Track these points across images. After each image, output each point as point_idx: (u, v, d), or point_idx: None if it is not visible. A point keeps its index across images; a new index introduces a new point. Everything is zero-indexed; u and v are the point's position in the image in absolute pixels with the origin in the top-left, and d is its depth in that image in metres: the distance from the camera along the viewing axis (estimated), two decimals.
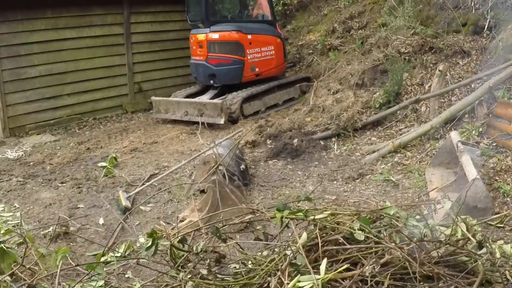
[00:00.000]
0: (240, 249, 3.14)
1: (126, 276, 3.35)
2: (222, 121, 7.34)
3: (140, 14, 9.14)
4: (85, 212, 4.61)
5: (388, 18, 7.95)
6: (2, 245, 2.67)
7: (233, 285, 2.64)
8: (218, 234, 2.82)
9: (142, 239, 3.86)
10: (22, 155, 6.57)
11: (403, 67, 6.85)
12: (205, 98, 7.98)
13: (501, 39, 6.52)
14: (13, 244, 3.80)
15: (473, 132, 5.35)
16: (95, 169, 5.80)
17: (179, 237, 2.83)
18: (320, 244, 2.47)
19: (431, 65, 6.84)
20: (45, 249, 2.86)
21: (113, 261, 3.15)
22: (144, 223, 4.34)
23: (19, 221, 4.36)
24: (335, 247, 2.55)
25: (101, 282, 2.97)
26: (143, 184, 5.14)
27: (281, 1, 10.63)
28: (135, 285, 3.02)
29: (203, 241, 2.99)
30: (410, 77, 6.84)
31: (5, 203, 4.84)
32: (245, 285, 2.60)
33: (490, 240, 2.77)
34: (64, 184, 5.35)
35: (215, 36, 7.87)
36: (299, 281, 2.23)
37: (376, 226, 2.67)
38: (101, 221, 4.38)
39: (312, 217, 2.64)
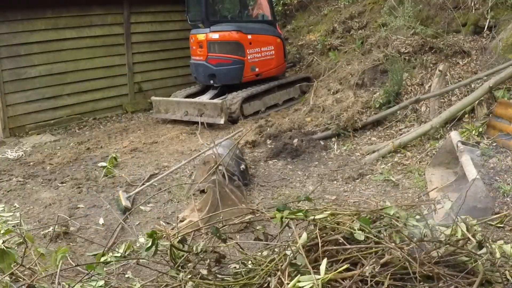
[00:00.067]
0: (240, 249, 3.14)
1: (126, 276, 3.35)
2: (222, 121, 7.34)
3: (140, 14, 9.15)
4: (85, 212, 4.61)
5: (388, 18, 7.96)
6: (2, 245, 2.67)
7: (233, 285, 2.64)
8: (218, 234, 2.82)
9: (142, 239, 3.86)
10: (22, 155, 6.57)
11: (403, 67, 6.85)
12: (205, 98, 7.98)
13: (501, 39, 6.52)
14: (13, 244, 3.81)
15: (473, 132, 5.35)
16: (95, 169, 5.80)
17: (179, 237, 2.83)
18: (320, 244, 2.47)
19: (431, 65, 6.84)
20: (44, 249, 2.86)
21: (113, 261, 3.15)
22: (144, 223, 4.34)
23: (19, 221, 4.37)
24: (335, 247, 2.55)
25: (101, 282, 2.97)
26: (143, 184, 5.14)
27: (281, 1, 10.64)
28: (135, 285, 3.02)
29: (203, 241, 2.99)
30: (410, 77, 6.84)
31: (5, 203, 4.84)
32: (245, 285, 2.60)
33: (490, 240, 2.77)
34: (64, 184, 5.35)
35: (215, 36, 7.87)
36: (299, 281, 2.23)
37: (376, 226, 2.67)
38: (101, 221, 4.38)
39: (312, 217, 2.64)
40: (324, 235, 2.60)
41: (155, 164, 5.92)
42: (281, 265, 2.45)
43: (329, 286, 2.33)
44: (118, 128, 7.96)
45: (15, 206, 4.76)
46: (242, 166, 4.96)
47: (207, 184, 4.23)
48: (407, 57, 7.08)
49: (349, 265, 2.40)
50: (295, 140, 6.11)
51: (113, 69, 8.90)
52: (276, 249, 2.89)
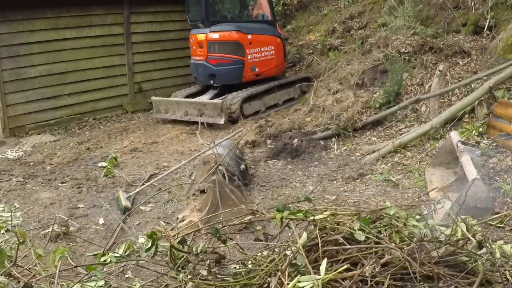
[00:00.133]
0: (240, 250, 3.14)
1: (126, 276, 3.35)
2: (222, 121, 7.34)
3: (140, 14, 9.15)
4: (85, 212, 4.61)
5: (388, 18, 7.96)
6: None
7: (233, 286, 2.64)
8: (218, 235, 2.82)
9: (142, 239, 3.85)
10: (22, 155, 6.57)
11: (403, 67, 6.85)
12: (205, 98, 7.98)
13: (501, 39, 6.52)
14: (13, 244, 3.81)
15: (473, 132, 5.35)
16: (95, 169, 5.80)
17: (179, 238, 2.83)
18: (320, 244, 2.47)
19: (431, 65, 6.84)
20: (42, 249, 2.85)
21: (113, 261, 3.14)
22: (144, 223, 4.34)
23: (19, 221, 4.37)
24: (335, 247, 2.55)
25: (101, 282, 2.98)
26: (143, 184, 5.14)
27: (281, 1, 10.64)
28: (135, 285, 3.02)
29: (203, 241, 2.99)
30: (410, 77, 6.84)
31: (5, 203, 4.84)
32: (245, 286, 2.60)
33: (490, 240, 2.77)
34: (64, 184, 5.35)
35: (215, 36, 7.87)
36: (299, 282, 2.23)
37: (376, 226, 2.67)
38: (101, 221, 4.38)
39: (312, 218, 2.64)
40: (324, 235, 2.60)
41: (155, 164, 5.92)
42: (281, 265, 2.45)
43: (329, 286, 2.33)
44: (118, 128, 7.96)
45: (15, 206, 4.76)
46: (242, 166, 4.96)
47: (207, 184, 4.23)
48: (407, 57, 7.08)
49: (349, 265, 2.40)
50: (295, 140, 6.11)
51: (113, 69, 8.90)
52: (276, 249, 2.89)
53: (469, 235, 2.60)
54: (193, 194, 4.82)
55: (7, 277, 2.59)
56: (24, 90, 7.72)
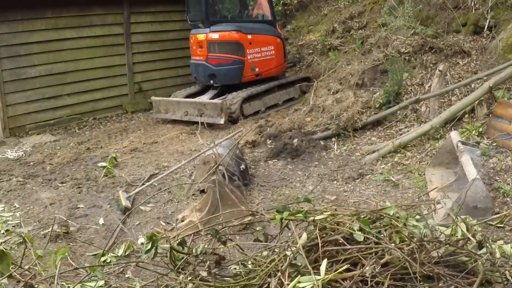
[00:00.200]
0: (240, 250, 3.14)
1: (126, 276, 3.35)
2: (222, 121, 7.34)
3: (140, 14, 9.14)
4: (85, 212, 4.61)
5: (388, 18, 7.96)
6: (1, 246, 2.67)
7: (233, 286, 2.64)
8: (218, 237, 2.82)
9: (141, 239, 3.85)
10: (22, 155, 6.57)
11: (403, 67, 6.85)
12: (205, 98, 7.98)
13: (501, 39, 6.52)
14: (13, 244, 3.81)
15: (473, 132, 5.35)
16: (95, 169, 5.80)
17: (179, 240, 2.83)
18: (320, 245, 2.46)
19: (431, 65, 6.84)
20: (42, 250, 2.85)
21: (113, 262, 3.15)
22: (144, 223, 4.34)
23: (19, 221, 4.37)
24: (335, 248, 2.55)
25: (101, 282, 2.98)
26: (143, 184, 5.14)
27: (281, 1, 10.64)
28: (135, 285, 3.02)
29: (202, 242, 2.99)
30: (410, 77, 6.84)
31: (5, 203, 4.84)
32: (245, 286, 2.59)
33: (490, 240, 2.77)
34: (64, 184, 5.35)
35: (215, 36, 7.87)
36: (299, 282, 2.22)
37: (376, 227, 2.67)
38: (101, 221, 4.38)
39: (312, 218, 2.64)
40: (324, 235, 2.60)
41: (155, 164, 5.92)
42: (281, 266, 2.45)
43: (329, 286, 2.33)
44: (118, 128, 7.96)
45: (15, 206, 4.76)
46: (242, 166, 4.96)
47: (207, 184, 4.23)
48: (407, 57, 7.09)
49: (349, 265, 2.40)
50: (295, 140, 6.11)
51: (113, 69, 8.90)
52: (276, 250, 2.89)
53: (469, 235, 2.61)
54: (193, 194, 4.83)
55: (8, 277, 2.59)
56: (24, 90, 7.72)
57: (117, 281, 3.14)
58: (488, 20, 6.99)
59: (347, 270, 2.35)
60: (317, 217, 2.64)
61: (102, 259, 3.50)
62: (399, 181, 4.94)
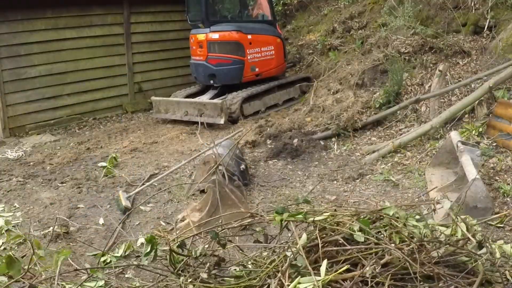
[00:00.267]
0: (240, 251, 3.14)
1: (126, 276, 3.35)
2: (222, 121, 7.34)
3: (140, 14, 9.14)
4: (85, 212, 4.61)
5: (388, 18, 7.96)
6: (11, 253, 2.69)
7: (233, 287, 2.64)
8: (217, 239, 2.81)
9: (141, 239, 3.85)
10: (22, 155, 6.57)
11: (403, 67, 6.85)
12: (205, 98, 7.98)
13: (501, 39, 6.52)
14: (13, 244, 3.82)
15: (473, 132, 5.35)
16: (95, 169, 5.79)
17: (178, 242, 2.83)
18: (320, 245, 2.47)
19: (431, 65, 6.84)
20: (43, 251, 2.86)
21: (113, 263, 3.15)
22: (144, 223, 4.34)
23: (19, 221, 4.37)
24: (335, 248, 2.55)
25: (101, 282, 2.98)
26: (143, 184, 5.14)
27: (281, 1, 10.63)
28: (135, 285, 3.02)
29: (202, 244, 2.99)
30: (410, 77, 6.84)
31: (5, 203, 4.84)
32: (245, 287, 2.59)
33: (490, 240, 2.77)
34: (64, 184, 5.35)
35: (215, 36, 7.87)
36: (299, 283, 2.22)
37: (376, 227, 2.67)
38: (101, 221, 4.38)
39: (311, 219, 2.64)
40: (324, 236, 2.60)
41: (155, 164, 5.92)
42: (282, 267, 2.45)
43: (330, 287, 2.32)
44: (118, 128, 7.96)
45: (15, 206, 4.76)
46: (242, 166, 4.96)
47: (207, 184, 4.23)
48: (407, 57, 7.09)
49: (349, 266, 2.40)
50: (295, 140, 6.11)
51: (113, 69, 8.90)
52: (276, 250, 2.89)
53: (469, 235, 2.61)
54: (193, 194, 4.83)
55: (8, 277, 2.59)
56: (24, 90, 7.72)
57: (117, 282, 3.14)
58: (488, 20, 6.99)
59: (347, 270, 2.36)
60: (317, 218, 2.64)
61: (102, 259, 3.50)
62: (399, 181, 4.95)
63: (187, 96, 8.27)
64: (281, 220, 2.66)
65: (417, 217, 2.73)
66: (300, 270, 2.40)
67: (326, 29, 9.40)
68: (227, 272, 3.01)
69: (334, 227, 2.61)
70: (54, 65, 8.02)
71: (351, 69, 7.70)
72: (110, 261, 3.51)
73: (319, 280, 2.19)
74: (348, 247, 2.49)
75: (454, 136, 4.78)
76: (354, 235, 2.48)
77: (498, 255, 2.63)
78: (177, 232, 3.26)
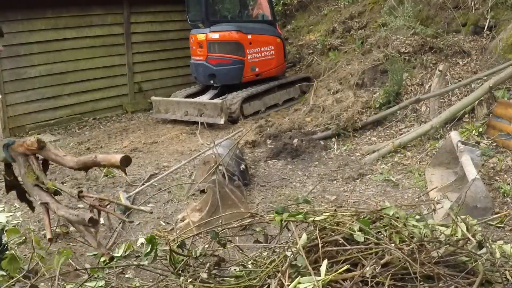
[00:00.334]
0: (240, 251, 3.14)
1: (126, 276, 3.35)
2: (222, 121, 7.34)
3: (140, 14, 9.15)
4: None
5: (388, 18, 7.96)
6: (12, 251, 2.69)
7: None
8: (217, 239, 2.81)
9: (141, 239, 3.85)
10: None
11: (403, 67, 6.85)
12: (205, 98, 7.98)
13: (501, 39, 6.52)
14: (13, 244, 3.81)
15: (473, 132, 5.35)
16: (95, 169, 5.78)
17: (178, 242, 2.83)
18: (320, 245, 2.46)
19: (431, 65, 6.84)
20: (43, 252, 2.86)
21: (114, 263, 3.14)
22: (144, 223, 4.34)
23: (19, 221, 4.37)
24: (335, 248, 2.55)
25: (102, 282, 2.98)
26: (143, 184, 5.14)
27: (281, 1, 10.63)
28: (135, 285, 3.02)
29: (202, 244, 2.99)
30: (410, 77, 6.84)
31: (5, 203, 4.84)
32: (245, 287, 2.59)
33: (490, 240, 2.77)
34: (64, 184, 5.35)
35: (215, 36, 7.87)
36: (299, 283, 2.22)
37: (376, 227, 2.67)
38: (101, 221, 4.37)
39: (311, 219, 2.64)
40: (324, 236, 2.60)
41: (155, 164, 5.92)
42: (282, 267, 2.45)
43: (330, 287, 2.32)
44: (118, 128, 7.96)
45: (15, 206, 4.75)
46: (242, 166, 4.96)
47: (207, 184, 4.22)
48: (407, 57, 7.09)
49: (349, 266, 2.40)
50: (295, 140, 6.11)
51: (113, 69, 8.90)
52: (276, 250, 2.89)
53: (469, 235, 2.61)
54: (193, 194, 4.83)
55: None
56: (24, 90, 7.73)
57: (117, 281, 3.14)
58: (488, 20, 6.99)
59: (348, 270, 2.35)
60: (317, 218, 2.64)
61: (102, 259, 3.50)
62: (399, 181, 4.95)
63: (187, 96, 8.27)
64: (281, 220, 2.66)
65: (417, 217, 2.73)
66: (300, 270, 2.40)
67: (326, 29, 9.40)
68: (227, 272, 3.01)
69: (334, 227, 2.61)
70: (54, 65, 8.03)
71: (351, 69, 7.70)
72: (111, 261, 3.51)
73: (319, 280, 2.19)
74: (348, 247, 2.49)
75: (454, 136, 4.78)
76: (354, 235, 2.48)
77: (498, 255, 2.63)
78: (177, 232, 3.25)
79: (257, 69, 8.30)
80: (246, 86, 8.13)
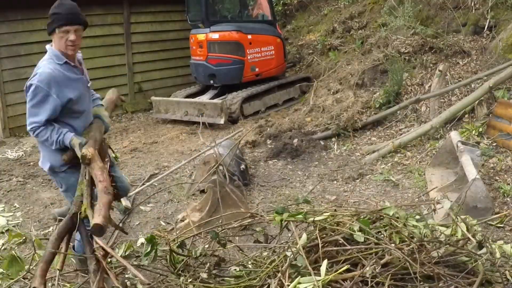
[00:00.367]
0: (240, 251, 3.14)
1: (126, 276, 3.34)
2: (222, 121, 7.34)
3: (140, 14, 9.14)
4: None
5: (388, 18, 7.96)
6: (14, 252, 2.69)
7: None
8: (217, 239, 2.81)
9: (141, 239, 3.85)
10: (22, 155, 6.57)
11: (403, 67, 6.85)
12: (205, 98, 7.98)
13: (501, 39, 6.53)
14: (13, 245, 3.81)
15: (473, 132, 5.35)
16: None
17: (178, 243, 2.83)
18: (320, 245, 2.47)
19: (431, 65, 6.84)
20: (44, 251, 2.86)
21: (114, 263, 3.15)
22: (144, 223, 4.34)
23: (19, 221, 4.37)
24: (335, 248, 2.55)
25: None
26: (143, 184, 5.14)
27: (281, 1, 10.63)
28: (135, 284, 3.02)
29: (202, 244, 2.99)
30: (410, 77, 6.84)
31: (5, 203, 4.84)
32: (245, 287, 2.59)
33: (490, 240, 2.77)
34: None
35: (215, 36, 7.87)
36: (299, 283, 2.22)
37: (376, 227, 2.67)
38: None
39: (311, 219, 2.64)
40: (324, 236, 2.60)
41: (155, 164, 5.92)
42: (282, 267, 2.45)
43: (330, 287, 2.33)
44: (118, 128, 7.95)
45: (15, 206, 4.76)
46: (242, 166, 4.96)
47: (207, 184, 4.23)
48: (407, 57, 7.08)
49: (349, 266, 2.40)
50: (295, 140, 6.11)
51: (113, 69, 8.89)
52: (276, 250, 2.89)
53: (469, 235, 2.61)
54: (193, 194, 4.83)
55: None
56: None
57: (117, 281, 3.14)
58: (488, 20, 6.99)
59: (348, 270, 2.36)
60: (317, 218, 2.64)
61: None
62: (399, 181, 4.95)
63: (187, 96, 8.27)
64: (281, 220, 2.66)
65: (417, 217, 2.74)
66: (300, 270, 2.40)
67: (326, 29, 9.40)
68: (227, 272, 3.01)
69: (334, 227, 2.61)
70: None
71: (351, 69, 7.70)
72: (110, 261, 3.51)
73: (319, 280, 2.19)
74: (348, 247, 2.49)
75: (454, 136, 4.79)
76: (354, 235, 2.48)
77: (498, 255, 2.63)
78: (177, 232, 3.26)
79: (257, 69, 8.30)
80: (246, 86, 8.12)
